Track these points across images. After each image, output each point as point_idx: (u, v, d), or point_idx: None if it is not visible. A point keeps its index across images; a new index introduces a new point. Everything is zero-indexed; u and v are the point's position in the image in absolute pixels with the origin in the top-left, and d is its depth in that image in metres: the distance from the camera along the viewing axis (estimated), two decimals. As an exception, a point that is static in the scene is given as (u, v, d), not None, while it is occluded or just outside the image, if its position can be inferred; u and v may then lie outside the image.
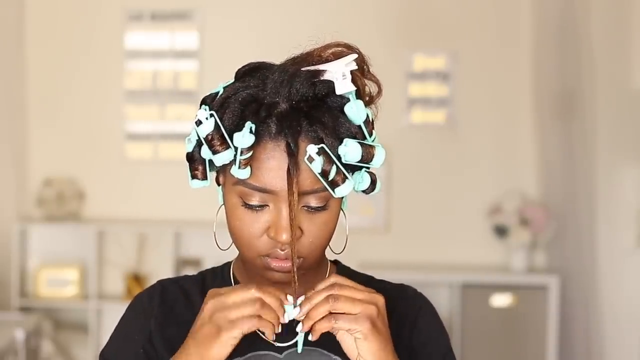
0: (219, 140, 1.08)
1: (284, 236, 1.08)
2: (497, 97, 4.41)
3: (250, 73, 1.12)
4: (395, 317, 1.16)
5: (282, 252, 1.10)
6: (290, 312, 1.06)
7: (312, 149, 1.06)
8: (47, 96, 4.48)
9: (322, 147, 1.06)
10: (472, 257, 4.38)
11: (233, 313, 1.03)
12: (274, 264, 1.11)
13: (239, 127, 1.07)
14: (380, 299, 1.06)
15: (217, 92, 1.13)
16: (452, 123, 4.40)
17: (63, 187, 4.38)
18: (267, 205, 1.09)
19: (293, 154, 1.05)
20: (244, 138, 1.06)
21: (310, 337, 1.06)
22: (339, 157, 1.07)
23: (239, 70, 1.14)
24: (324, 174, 1.06)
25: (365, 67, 1.13)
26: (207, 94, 1.14)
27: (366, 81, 1.14)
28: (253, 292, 1.04)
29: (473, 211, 4.37)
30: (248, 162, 1.07)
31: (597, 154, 4.05)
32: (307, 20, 4.37)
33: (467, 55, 4.38)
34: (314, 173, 1.07)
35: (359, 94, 1.11)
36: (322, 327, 1.05)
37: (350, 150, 1.07)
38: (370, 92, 1.14)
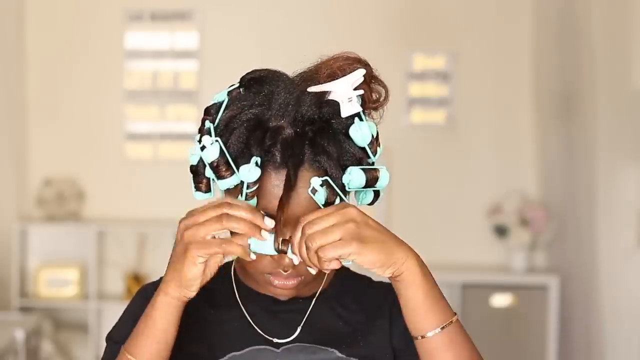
0: (224, 166, 1.08)
1: (287, 260, 1.08)
2: (497, 97, 4.41)
3: (255, 85, 1.11)
4: (394, 312, 1.18)
5: (285, 273, 1.11)
6: (269, 242, 1.04)
7: (315, 182, 1.06)
8: (47, 96, 4.48)
9: (326, 180, 1.06)
10: (472, 257, 4.38)
11: (202, 230, 1.03)
12: (277, 281, 1.13)
13: (244, 155, 1.07)
14: (352, 210, 1.04)
15: (221, 102, 1.12)
16: (452, 123, 4.40)
17: (63, 187, 4.38)
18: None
19: (290, 187, 1.05)
20: (250, 172, 1.05)
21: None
22: (343, 186, 1.08)
23: (243, 77, 1.13)
24: (327, 205, 1.06)
25: (372, 78, 1.12)
26: (212, 102, 1.14)
27: (374, 86, 1.13)
28: (223, 209, 1.03)
29: (473, 211, 4.37)
30: (254, 195, 1.07)
31: (597, 154, 4.05)
32: (307, 20, 4.38)
33: (467, 55, 4.38)
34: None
35: (364, 104, 1.11)
36: (315, 263, 1.03)
37: (354, 178, 1.08)
38: (378, 98, 1.14)
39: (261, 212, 1.04)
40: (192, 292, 1.07)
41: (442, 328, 1.07)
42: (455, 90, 4.39)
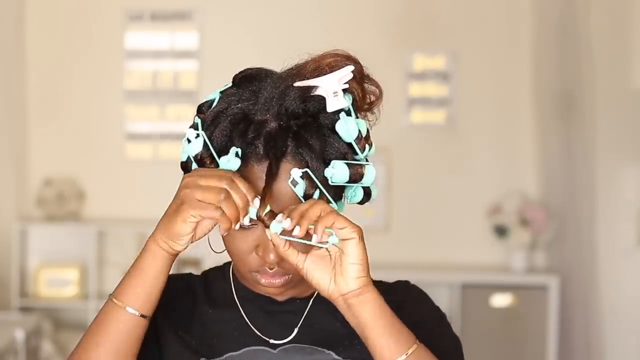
0: (208, 159, 1.09)
1: (271, 256, 1.08)
2: (497, 97, 4.41)
3: (245, 82, 1.12)
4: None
5: (271, 270, 1.12)
6: (252, 213, 1.05)
7: (295, 173, 1.06)
8: (47, 96, 4.48)
9: (305, 171, 1.06)
10: (472, 257, 4.38)
11: (198, 194, 1.04)
12: (264, 280, 1.13)
13: (227, 148, 1.08)
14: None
15: (213, 100, 1.13)
16: (452, 123, 4.40)
17: (63, 187, 4.38)
18: (256, 225, 1.10)
19: (271, 177, 1.06)
20: (229, 162, 1.07)
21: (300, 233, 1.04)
22: (325, 180, 1.07)
23: (235, 75, 1.14)
24: (307, 197, 1.07)
25: (363, 77, 1.12)
26: (204, 100, 1.15)
27: (367, 86, 1.13)
28: (224, 184, 1.04)
29: (473, 211, 4.37)
30: None
31: (597, 154, 4.05)
32: (307, 20, 4.38)
33: (467, 55, 4.38)
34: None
35: (355, 104, 1.11)
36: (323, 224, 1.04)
37: (337, 172, 1.07)
38: (370, 98, 1.14)
39: (252, 204, 1.05)
40: (179, 246, 1.08)
41: (408, 355, 1.08)
42: (455, 90, 4.39)
